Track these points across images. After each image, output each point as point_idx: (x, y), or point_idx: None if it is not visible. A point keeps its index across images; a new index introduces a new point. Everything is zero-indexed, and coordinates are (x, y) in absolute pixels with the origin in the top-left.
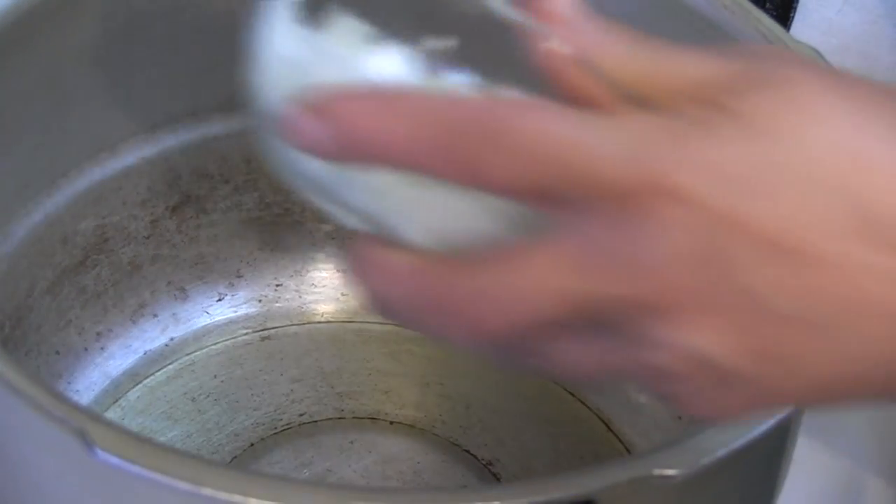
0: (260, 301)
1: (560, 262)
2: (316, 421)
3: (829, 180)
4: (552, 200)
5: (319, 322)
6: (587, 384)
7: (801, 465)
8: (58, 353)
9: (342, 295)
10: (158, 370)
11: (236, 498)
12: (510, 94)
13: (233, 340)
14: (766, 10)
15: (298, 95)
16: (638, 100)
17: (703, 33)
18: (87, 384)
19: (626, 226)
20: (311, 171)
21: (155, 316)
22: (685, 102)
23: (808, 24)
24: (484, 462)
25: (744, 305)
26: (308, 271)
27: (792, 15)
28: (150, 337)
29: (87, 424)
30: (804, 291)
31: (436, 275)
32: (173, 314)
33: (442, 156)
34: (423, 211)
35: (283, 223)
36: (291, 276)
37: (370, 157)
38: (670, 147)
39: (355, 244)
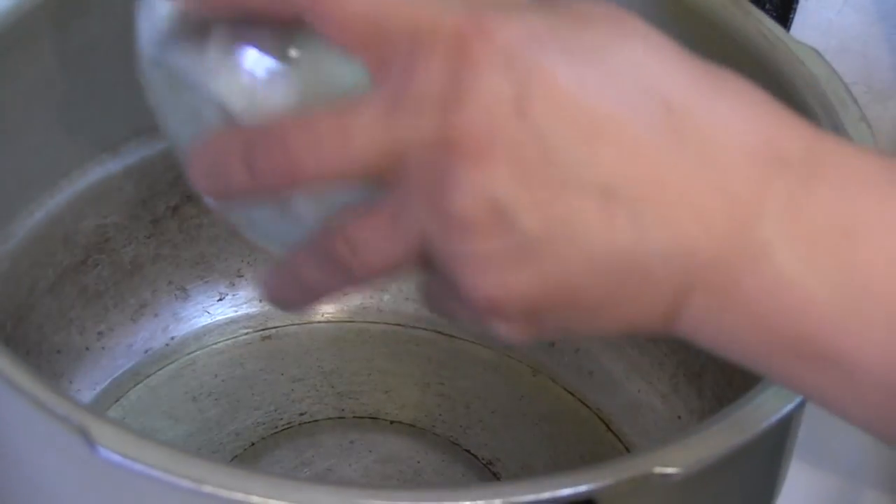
0: (261, 301)
1: (376, 107)
2: (316, 420)
3: (643, 78)
4: (381, 50)
5: (320, 322)
6: (394, 275)
7: (801, 465)
8: (59, 352)
9: (343, 294)
10: (159, 369)
11: (237, 496)
12: None
13: (234, 340)
14: (766, 11)
15: None
16: None
17: (704, 34)
18: (89, 383)
19: (443, 66)
20: (180, 65)
21: (156, 315)
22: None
23: (807, 25)
24: (484, 461)
25: (543, 161)
26: None
27: (792, 16)
28: (151, 336)
29: (89, 422)
30: (605, 164)
31: (255, 127)
32: (174, 314)
33: None
34: (263, 100)
35: None
36: None
37: None
38: (495, 8)
39: None
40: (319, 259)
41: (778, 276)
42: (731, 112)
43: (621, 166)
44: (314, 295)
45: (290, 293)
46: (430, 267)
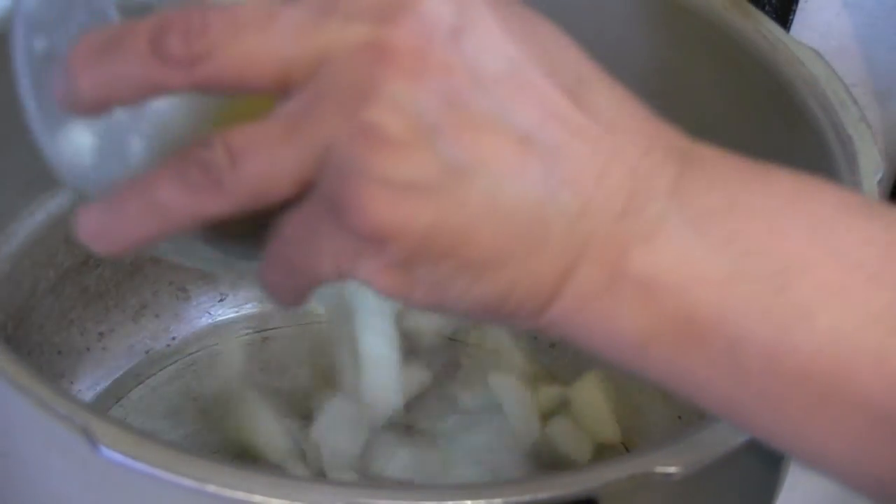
0: (261, 302)
1: (309, 6)
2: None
3: (561, 51)
4: None
5: (320, 322)
6: (266, 197)
7: (800, 467)
8: (60, 352)
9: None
10: (160, 370)
11: (240, 495)
12: None
13: (235, 341)
14: (766, 12)
15: None
16: None
17: (704, 35)
18: (90, 384)
19: None
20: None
21: (157, 316)
22: None
23: (806, 26)
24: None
25: (471, 92)
26: None
27: (791, 17)
28: (152, 337)
29: (92, 422)
30: (525, 113)
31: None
32: (175, 314)
33: None
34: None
35: None
36: None
37: None
38: None
39: None
40: (183, 172)
41: (668, 250)
42: (626, 101)
43: (539, 120)
44: (161, 222)
45: (128, 220)
46: (307, 194)
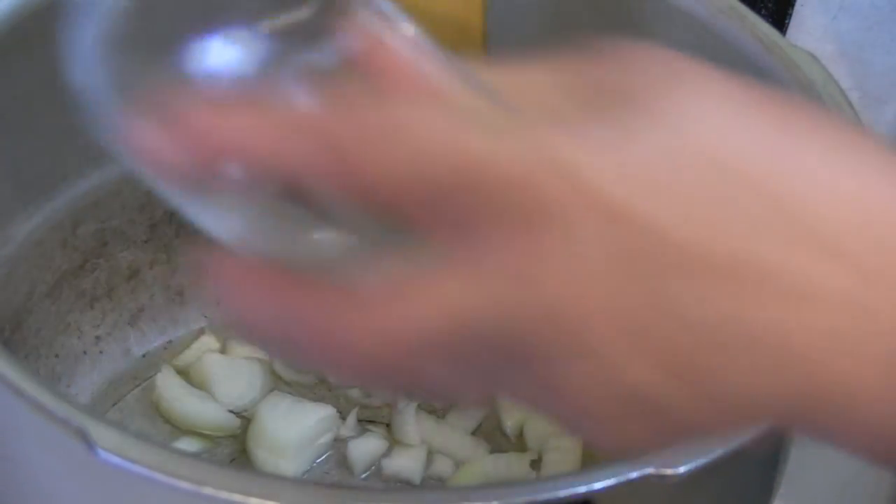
0: None
1: (454, 284)
2: None
3: (746, 183)
4: (438, 209)
5: None
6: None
7: (799, 467)
8: (57, 356)
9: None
10: (157, 372)
11: (236, 497)
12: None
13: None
14: (762, 16)
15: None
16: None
17: (700, 38)
18: (86, 386)
19: (527, 232)
20: None
21: (153, 319)
22: (563, 100)
23: (802, 31)
24: None
25: (661, 316)
26: None
27: (787, 21)
28: (148, 340)
29: (89, 425)
30: (734, 306)
31: (299, 294)
32: (172, 317)
33: (319, 153)
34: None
35: None
36: None
37: (230, 159)
38: (569, 138)
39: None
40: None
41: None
42: (827, 171)
43: (757, 308)
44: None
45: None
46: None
